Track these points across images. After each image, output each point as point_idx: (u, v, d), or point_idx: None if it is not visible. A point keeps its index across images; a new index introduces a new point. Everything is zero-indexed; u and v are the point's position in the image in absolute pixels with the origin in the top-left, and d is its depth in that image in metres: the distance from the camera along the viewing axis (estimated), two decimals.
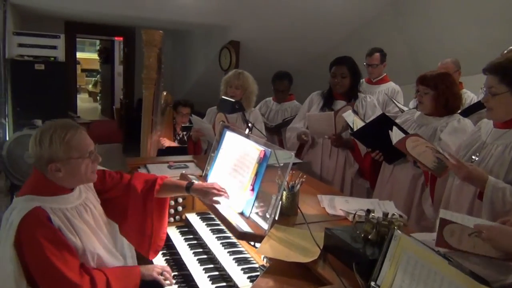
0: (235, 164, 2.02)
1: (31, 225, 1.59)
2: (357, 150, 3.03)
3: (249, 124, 2.15)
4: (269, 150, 1.86)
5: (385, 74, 4.34)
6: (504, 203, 1.86)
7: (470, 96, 3.78)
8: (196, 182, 2.04)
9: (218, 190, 1.94)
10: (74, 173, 1.72)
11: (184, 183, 2.01)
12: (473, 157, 2.10)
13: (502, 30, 4.50)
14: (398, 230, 1.30)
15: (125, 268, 1.94)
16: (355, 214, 1.64)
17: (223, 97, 2.45)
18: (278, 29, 5.94)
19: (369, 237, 1.51)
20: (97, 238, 1.82)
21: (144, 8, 5.54)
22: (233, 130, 2.19)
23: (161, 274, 1.98)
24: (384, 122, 2.55)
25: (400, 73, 4.87)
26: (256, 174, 1.87)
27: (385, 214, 1.57)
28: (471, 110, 3.13)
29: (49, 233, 1.61)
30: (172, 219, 2.58)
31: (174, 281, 1.99)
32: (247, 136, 2.07)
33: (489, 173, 1.98)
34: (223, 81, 3.41)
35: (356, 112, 3.07)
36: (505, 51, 3.44)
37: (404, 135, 2.27)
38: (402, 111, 3.72)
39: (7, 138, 4.76)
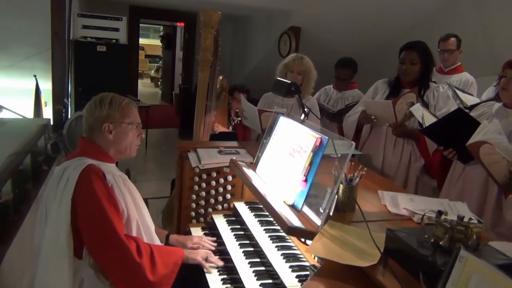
0: (289, 153, 1.85)
1: (89, 178, 1.67)
2: (423, 143, 2.74)
3: (305, 109, 1.97)
4: (326, 137, 1.67)
5: (460, 63, 3.97)
6: None
7: None
8: (173, 235, 2.17)
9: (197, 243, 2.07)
10: (122, 139, 1.84)
11: (164, 233, 2.14)
12: None
13: None
14: (464, 250, 1.07)
15: (168, 247, 1.98)
16: (423, 215, 1.42)
17: (278, 78, 2.27)
18: (341, 15, 5.65)
19: (440, 243, 1.29)
20: (138, 212, 1.84)
21: None
22: (288, 116, 2.02)
23: (206, 259, 1.95)
24: (460, 118, 2.26)
25: (475, 65, 4.45)
26: (311, 164, 1.69)
27: (460, 218, 1.34)
28: None
29: (105, 189, 1.69)
30: (220, 207, 2.48)
31: (220, 264, 1.96)
32: (302, 122, 1.89)
33: None
34: (282, 65, 3.21)
35: (426, 105, 2.78)
36: None
37: (481, 139, 1.97)
38: (466, 105, 3.36)
39: (69, 118, 4.88)
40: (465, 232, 1.27)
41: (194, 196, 2.48)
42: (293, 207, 1.71)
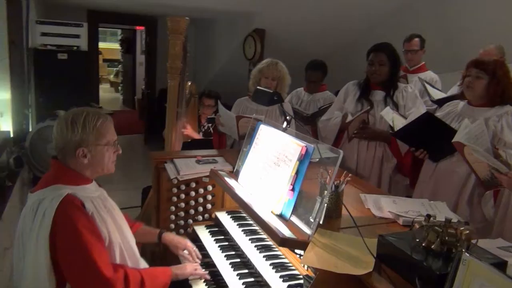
0: (272, 161, 1.85)
1: (68, 212, 1.57)
2: (394, 144, 2.81)
3: (287, 117, 1.97)
4: (312, 146, 1.68)
5: (423, 62, 4.10)
6: None
7: None
8: (167, 232, 2.12)
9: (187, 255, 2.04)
10: (98, 161, 1.72)
11: (157, 231, 2.10)
12: None
13: None
14: (466, 253, 1.09)
15: (156, 268, 1.89)
16: (413, 220, 1.45)
17: (259, 87, 2.26)
18: (305, 16, 5.71)
19: (432, 247, 1.32)
20: (121, 235, 1.75)
21: None
22: (269, 124, 2.02)
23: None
24: (428, 121, 2.34)
25: (436, 62, 4.60)
26: (297, 173, 1.69)
27: (448, 220, 1.38)
28: None
29: (85, 221, 1.59)
30: (200, 217, 2.45)
31: (207, 277, 1.94)
32: (284, 130, 1.89)
33: None
34: (256, 70, 3.20)
35: (396, 105, 2.85)
36: None
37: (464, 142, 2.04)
38: (433, 99, 3.48)
39: (30, 129, 4.68)
40: (456, 235, 1.31)
41: (173, 208, 2.44)
42: (281, 216, 1.71)
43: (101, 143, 1.70)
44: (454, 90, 3.47)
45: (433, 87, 3.71)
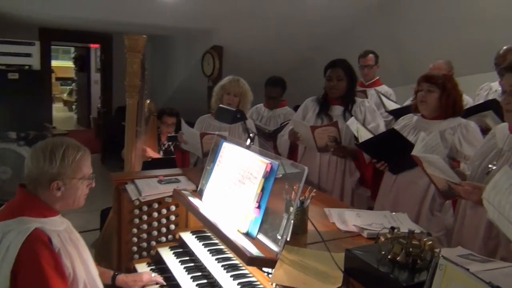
0: (237, 179, 1.84)
1: (34, 248, 1.49)
2: (361, 159, 2.88)
3: (251, 135, 1.98)
4: (276, 162, 1.68)
5: (378, 77, 4.25)
6: None
7: (465, 98, 3.69)
8: (120, 274, 2.05)
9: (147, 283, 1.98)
10: (71, 194, 1.68)
11: (110, 273, 2.03)
12: (490, 165, 1.97)
13: (491, 31, 4.46)
14: (442, 258, 1.13)
15: None
16: (378, 233, 1.47)
17: (221, 105, 2.26)
18: (262, 33, 5.79)
19: (398, 259, 1.34)
20: (86, 270, 1.68)
21: (121, 12, 5.31)
22: (232, 141, 2.01)
23: None
24: (392, 136, 2.43)
25: (389, 76, 4.78)
26: (262, 190, 1.69)
27: (411, 232, 1.41)
28: (472, 112, 3.02)
29: (50, 259, 1.52)
30: (164, 239, 2.38)
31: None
32: (248, 147, 1.89)
33: None
34: (219, 87, 3.21)
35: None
36: (501, 51, 3.37)
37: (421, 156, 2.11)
38: (387, 110, 3.61)
39: None
40: (420, 246, 1.34)
41: (135, 230, 2.36)
42: (247, 235, 1.69)
43: (77, 177, 1.66)
44: (409, 103, 3.60)
45: (389, 99, 3.85)
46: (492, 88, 3.58)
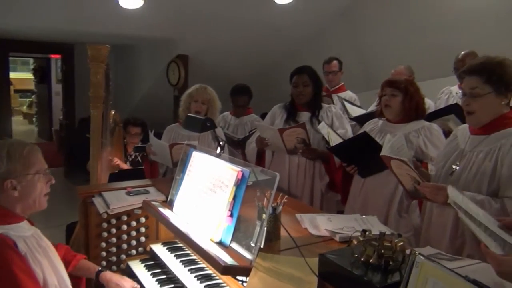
0: (208, 188, 1.82)
1: (2, 254, 1.47)
2: (332, 163, 2.92)
3: (221, 143, 1.96)
4: (247, 170, 1.68)
5: (342, 83, 4.33)
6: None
7: (427, 102, 3.80)
8: (106, 271, 1.98)
9: None
10: (29, 192, 1.63)
11: (96, 268, 1.97)
12: (453, 166, 2.03)
13: (449, 37, 4.64)
14: (419, 256, 1.15)
15: None
16: (350, 237, 1.49)
17: (190, 114, 2.24)
18: (228, 42, 5.80)
19: (370, 261, 1.36)
20: (57, 275, 1.64)
21: (83, 21, 5.19)
22: (202, 150, 2.00)
23: None
24: (364, 140, 2.47)
25: (353, 82, 4.88)
26: (234, 198, 1.68)
27: (382, 234, 1.44)
28: (434, 116, 3.12)
29: (19, 262, 1.49)
30: (134, 252, 2.33)
31: None
32: (219, 156, 1.88)
33: (471, 181, 1.92)
34: (186, 95, 3.19)
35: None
36: (460, 56, 3.50)
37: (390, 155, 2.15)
38: (351, 116, 3.68)
39: None
40: (392, 248, 1.36)
41: (103, 244, 2.30)
42: (220, 244, 1.68)
43: (30, 172, 1.62)
44: (372, 109, 3.69)
45: (353, 104, 3.92)
46: (452, 91, 3.71)
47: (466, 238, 1.95)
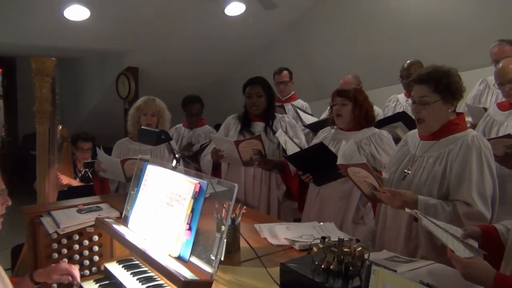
0: (165, 202, 1.78)
1: None
2: (288, 172, 2.94)
3: (176, 155, 1.93)
4: (205, 182, 1.66)
5: (293, 92, 4.40)
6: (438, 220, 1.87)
7: (376, 109, 3.93)
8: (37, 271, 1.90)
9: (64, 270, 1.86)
10: None
11: (27, 277, 1.87)
12: (405, 171, 2.10)
13: (392, 48, 4.85)
14: (374, 264, 1.18)
15: None
16: (310, 245, 1.50)
17: (143, 127, 2.18)
18: (178, 53, 5.77)
19: (331, 267, 1.38)
20: None
21: (25, 34, 4.98)
22: (157, 163, 1.95)
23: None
24: (319, 150, 2.52)
25: (303, 92, 4.98)
26: (193, 211, 1.65)
27: (341, 240, 1.46)
28: (383, 123, 3.22)
29: None
30: (87, 272, 2.23)
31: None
32: (174, 168, 1.84)
33: (423, 185, 1.99)
34: (134, 109, 3.11)
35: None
36: (405, 65, 3.64)
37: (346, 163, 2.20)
38: (304, 124, 3.75)
39: None
40: (351, 253, 1.39)
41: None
42: (179, 258, 1.64)
43: None
44: (325, 117, 3.76)
45: (305, 112, 4.00)
46: (399, 99, 3.86)
47: (419, 240, 2.02)
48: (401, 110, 3.65)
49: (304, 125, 3.77)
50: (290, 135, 3.02)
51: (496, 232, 1.58)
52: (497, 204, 1.95)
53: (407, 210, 1.70)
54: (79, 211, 2.29)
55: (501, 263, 1.48)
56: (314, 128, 3.61)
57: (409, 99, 2.13)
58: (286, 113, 3.84)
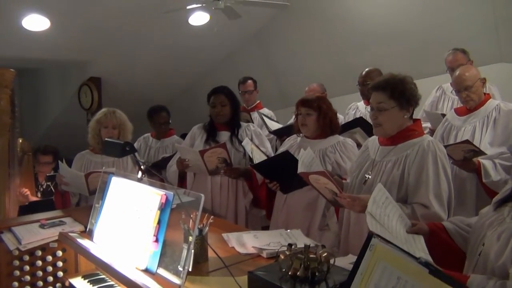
0: (131, 214, 1.77)
1: None
2: (255, 180, 2.95)
3: (142, 167, 1.91)
4: (171, 193, 1.66)
5: (259, 101, 4.44)
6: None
7: (341, 118, 4.01)
8: None
9: None
10: None
11: None
12: (366, 175, 2.16)
13: (354, 57, 4.98)
14: (374, 238, 1.19)
15: None
16: (278, 252, 1.52)
17: (107, 139, 2.15)
18: (142, 63, 5.72)
19: (298, 273, 1.40)
20: None
21: None
22: (121, 175, 1.93)
23: None
24: (285, 158, 2.55)
25: (269, 101, 5.03)
26: (159, 222, 1.65)
27: (307, 246, 1.49)
28: (343, 129, 3.28)
29: None
30: None
31: None
32: (140, 180, 1.83)
33: None
34: (94, 122, 3.06)
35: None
36: (363, 73, 3.74)
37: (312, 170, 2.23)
38: (270, 130, 3.79)
39: None
40: (317, 259, 1.42)
41: (15, 284, 2.12)
42: (147, 271, 1.63)
43: None
44: (290, 123, 3.81)
45: (271, 119, 4.05)
46: (359, 107, 3.95)
47: None
48: None
49: (270, 131, 3.80)
50: (256, 143, 3.04)
51: (444, 229, 1.66)
52: (453, 205, 2.04)
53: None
54: (42, 226, 2.24)
55: (465, 263, 1.55)
56: (279, 134, 3.65)
57: (368, 106, 2.20)
58: (252, 122, 3.88)
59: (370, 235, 1.18)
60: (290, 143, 2.91)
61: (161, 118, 3.90)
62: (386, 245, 1.16)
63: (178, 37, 5.41)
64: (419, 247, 1.55)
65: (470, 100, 2.88)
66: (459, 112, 3.02)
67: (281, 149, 2.92)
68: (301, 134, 2.83)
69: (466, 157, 2.66)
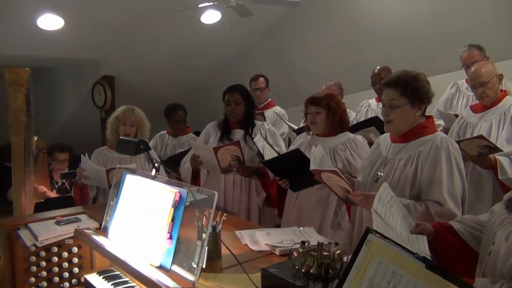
0: (145, 211, 1.78)
1: None
2: (267, 178, 2.96)
3: (156, 164, 1.93)
4: (185, 190, 1.67)
5: (270, 99, 4.43)
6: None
7: (353, 115, 4.00)
8: None
9: None
10: None
11: None
12: (378, 173, 2.15)
13: (367, 53, 4.94)
14: (371, 234, 1.18)
15: None
16: (291, 250, 1.53)
17: (122, 137, 2.17)
18: (155, 61, 5.75)
19: (311, 271, 1.40)
20: None
21: None
22: (136, 173, 1.95)
23: None
24: (296, 156, 2.55)
25: (281, 98, 5.03)
26: (173, 220, 1.66)
27: (320, 244, 1.49)
28: (357, 128, 3.27)
29: None
30: (67, 284, 2.22)
31: None
32: (154, 178, 1.85)
33: (395, 186, 2.04)
34: (113, 118, 3.09)
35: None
36: (376, 70, 3.73)
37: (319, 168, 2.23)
38: (293, 129, 3.80)
39: None
40: (330, 256, 1.42)
41: (32, 279, 2.17)
42: (161, 267, 1.64)
43: None
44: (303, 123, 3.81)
45: (281, 118, 4.05)
46: (371, 104, 3.94)
47: None
48: (372, 114, 3.71)
49: (293, 130, 3.80)
50: (269, 142, 3.04)
51: (450, 229, 1.65)
52: (467, 202, 2.02)
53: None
54: (58, 222, 2.27)
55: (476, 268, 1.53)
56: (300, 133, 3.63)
57: (380, 103, 2.19)
58: (265, 120, 3.88)
59: (367, 230, 1.17)
60: (300, 141, 2.91)
61: (178, 116, 3.92)
62: (382, 241, 1.15)
63: (190, 35, 5.43)
64: (421, 248, 1.54)
65: (486, 96, 2.84)
66: (475, 109, 2.99)
67: (291, 147, 2.92)
68: (311, 132, 2.83)
69: (481, 153, 2.63)
